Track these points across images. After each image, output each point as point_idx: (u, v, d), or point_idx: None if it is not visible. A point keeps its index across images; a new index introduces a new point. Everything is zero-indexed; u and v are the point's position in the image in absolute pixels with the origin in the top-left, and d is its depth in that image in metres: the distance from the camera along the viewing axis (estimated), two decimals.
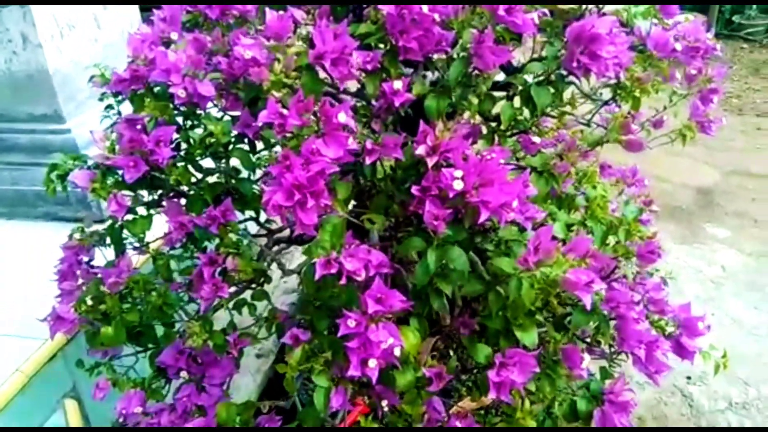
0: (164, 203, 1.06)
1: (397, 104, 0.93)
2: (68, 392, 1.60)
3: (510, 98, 1.07)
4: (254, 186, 1.06)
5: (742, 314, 2.53)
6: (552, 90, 1.01)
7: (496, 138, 1.02)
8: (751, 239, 3.03)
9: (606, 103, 1.06)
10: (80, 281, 1.15)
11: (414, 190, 0.90)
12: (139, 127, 1.10)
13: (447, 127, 0.94)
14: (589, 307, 0.82)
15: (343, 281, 0.84)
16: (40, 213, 2.19)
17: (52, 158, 2.22)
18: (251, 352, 2.01)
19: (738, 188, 3.51)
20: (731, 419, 2.04)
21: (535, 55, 1.07)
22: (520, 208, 0.89)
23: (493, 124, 1.05)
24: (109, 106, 1.28)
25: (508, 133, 1.07)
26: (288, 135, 0.91)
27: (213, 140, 0.96)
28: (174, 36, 1.18)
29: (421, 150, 0.90)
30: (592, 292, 0.81)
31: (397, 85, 0.92)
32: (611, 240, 1.02)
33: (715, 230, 3.12)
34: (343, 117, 0.90)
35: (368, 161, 0.93)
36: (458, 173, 0.86)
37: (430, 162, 0.90)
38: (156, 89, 1.11)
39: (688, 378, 2.17)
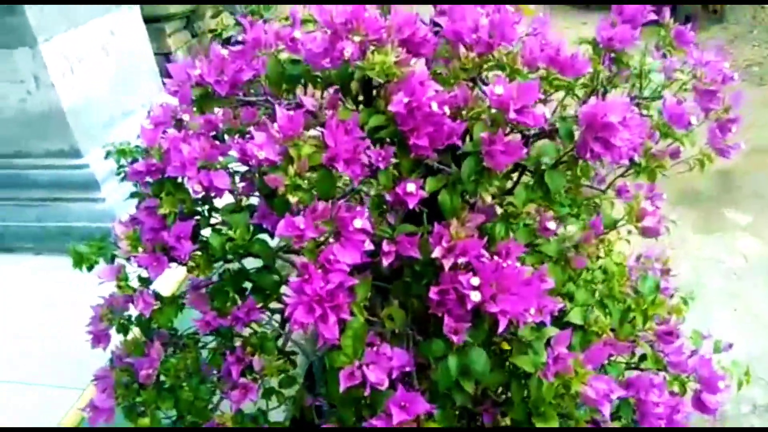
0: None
1: (410, 205, 0.94)
2: None
3: (520, 175, 1.07)
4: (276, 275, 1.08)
5: (765, 308, 2.52)
6: (566, 171, 1.01)
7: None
8: None
9: (621, 175, 1.05)
10: (111, 363, 1.19)
11: (432, 293, 0.92)
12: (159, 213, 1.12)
13: (462, 221, 0.95)
14: (608, 415, 0.84)
15: (367, 392, 0.87)
16: (66, 249, 2.23)
17: (72, 194, 2.26)
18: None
19: (759, 168, 3.42)
20: (755, 423, 2.06)
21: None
22: (538, 304, 0.90)
23: (506, 203, 1.05)
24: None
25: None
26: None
27: (232, 244, 0.98)
28: (186, 117, 1.19)
29: (437, 252, 0.91)
30: (611, 401, 0.83)
31: (411, 188, 0.93)
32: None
33: (735, 216, 3.08)
34: (359, 223, 0.91)
35: (385, 263, 0.94)
36: (475, 281, 0.87)
37: (447, 264, 0.91)
38: None
39: None
